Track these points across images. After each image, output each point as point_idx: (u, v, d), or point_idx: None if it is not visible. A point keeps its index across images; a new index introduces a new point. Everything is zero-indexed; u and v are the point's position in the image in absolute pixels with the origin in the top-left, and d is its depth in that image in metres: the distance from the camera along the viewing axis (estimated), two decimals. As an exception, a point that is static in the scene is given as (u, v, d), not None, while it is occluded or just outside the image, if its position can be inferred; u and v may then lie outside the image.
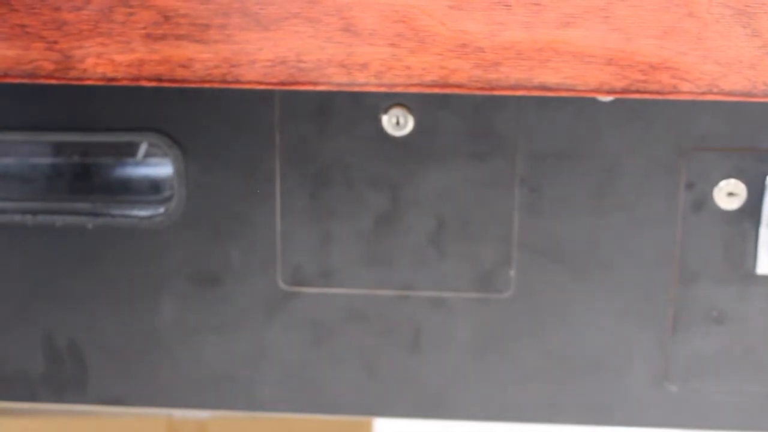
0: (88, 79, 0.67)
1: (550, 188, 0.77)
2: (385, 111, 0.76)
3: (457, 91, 0.66)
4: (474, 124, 0.76)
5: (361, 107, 0.76)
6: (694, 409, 0.82)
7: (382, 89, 0.66)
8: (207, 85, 0.66)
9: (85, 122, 0.78)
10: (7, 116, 0.78)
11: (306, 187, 0.78)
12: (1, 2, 0.65)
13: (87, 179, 0.84)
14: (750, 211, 0.77)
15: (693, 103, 0.74)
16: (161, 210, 0.80)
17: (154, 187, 0.84)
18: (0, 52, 0.66)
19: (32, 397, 0.84)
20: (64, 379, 0.83)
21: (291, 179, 0.78)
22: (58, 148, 0.85)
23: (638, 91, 0.65)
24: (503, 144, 0.76)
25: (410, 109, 0.76)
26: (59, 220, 0.80)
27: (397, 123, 0.76)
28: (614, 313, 0.80)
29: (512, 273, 0.79)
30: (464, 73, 0.65)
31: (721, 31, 0.64)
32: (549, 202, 0.78)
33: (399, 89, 0.66)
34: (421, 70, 0.65)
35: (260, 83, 0.66)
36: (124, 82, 0.67)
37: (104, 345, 0.83)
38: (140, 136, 0.79)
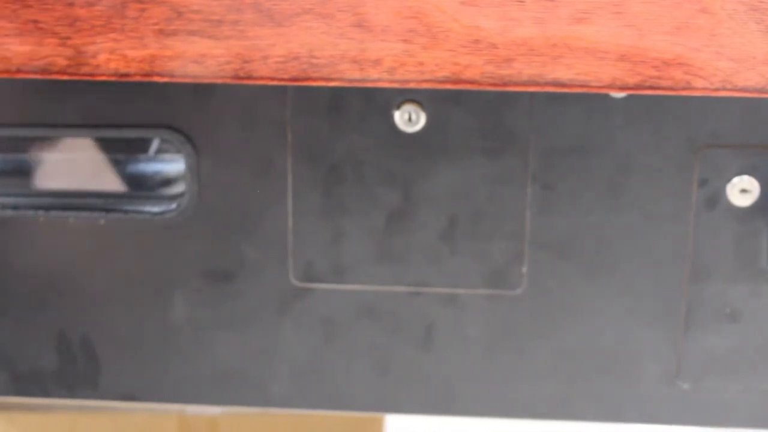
0: (101, 74, 0.67)
1: (563, 185, 0.77)
2: (398, 107, 0.76)
3: (469, 87, 0.66)
4: (486, 120, 0.76)
5: (373, 103, 0.76)
6: (706, 407, 0.82)
7: (395, 85, 0.66)
8: (219, 81, 0.67)
9: (97, 118, 0.78)
10: (19, 112, 0.78)
11: (318, 183, 0.78)
12: (15, -2, 0.65)
13: None
14: (763, 208, 0.77)
15: (706, 99, 0.74)
16: (173, 206, 0.80)
17: (167, 183, 0.84)
18: (13, 47, 0.66)
19: (45, 393, 0.84)
20: (76, 375, 0.84)
21: (303, 175, 0.78)
22: (70, 145, 0.85)
23: (651, 87, 0.65)
24: (515, 140, 0.76)
25: (422, 105, 0.76)
26: (72, 216, 0.80)
27: (410, 119, 0.76)
28: (626, 310, 0.80)
29: (524, 270, 0.79)
30: (477, 69, 0.65)
31: (735, 28, 0.64)
32: (561, 198, 0.77)
33: (411, 85, 0.66)
34: (433, 66, 0.65)
35: (273, 79, 0.66)
36: (137, 78, 0.67)
37: (116, 341, 0.83)
38: (152, 132, 0.79)
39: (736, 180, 0.76)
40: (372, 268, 0.80)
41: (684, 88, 0.65)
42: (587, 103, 0.75)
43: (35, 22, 0.66)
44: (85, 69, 0.66)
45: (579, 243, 0.78)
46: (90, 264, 0.81)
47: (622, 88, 0.65)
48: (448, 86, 0.66)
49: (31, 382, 0.84)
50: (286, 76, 0.66)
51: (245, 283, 0.81)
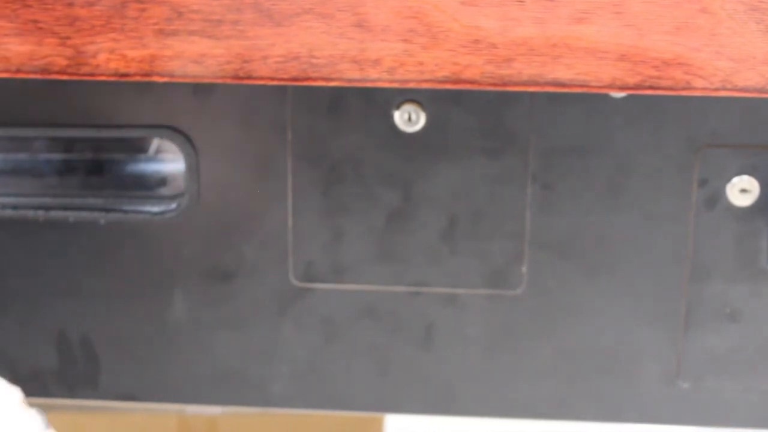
0: (101, 74, 0.67)
1: (563, 185, 0.77)
2: (397, 107, 0.76)
3: (469, 87, 0.66)
4: (486, 120, 0.76)
5: (373, 103, 0.76)
6: (706, 407, 0.82)
7: (395, 85, 0.66)
8: (219, 81, 0.67)
9: (97, 118, 0.78)
10: (19, 112, 0.78)
11: (318, 183, 0.78)
12: (15, -2, 0.65)
13: (99, 175, 0.84)
14: (763, 208, 0.77)
15: (706, 99, 0.74)
16: (173, 206, 0.80)
17: (166, 182, 0.84)
18: (13, 47, 0.66)
19: (44, 393, 0.84)
20: (76, 375, 0.84)
21: (303, 175, 0.78)
22: (70, 144, 0.85)
23: (651, 87, 0.65)
24: (515, 140, 0.76)
25: (422, 105, 0.76)
26: (72, 216, 0.80)
27: (409, 119, 0.76)
28: (626, 310, 0.80)
29: (524, 270, 0.79)
30: (477, 69, 0.65)
31: (735, 27, 0.64)
32: (561, 198, 0.77)
33: (411, 85, 0.66)
34: (433, 65, 0.65)
35: (272, 79, 0.66)
36: (137, 78, 0.67)
37: (116, 340, 0.83)
38: (152, 132, 0.79)
39: (736, 180, 0.76)
40: (372, 268, 0.80)
41: (684, 88, 0.65)
42: (587, 103, 0.75)
43: (35, 22, 0.66)
44: (85, 69, 0.66)
45: (579, 243, 0.78)
46: (90, 264, 0.81)
47: (622, 88, 0.65)
48: (448, 86, 0.66)
49: (31, 382, 0.84)
50: (285, 76, 0.66)
51: (245, 283, 0.81)
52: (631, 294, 0.79)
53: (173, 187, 0.83)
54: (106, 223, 0.80)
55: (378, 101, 0.76)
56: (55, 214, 0.80)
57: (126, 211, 0.80)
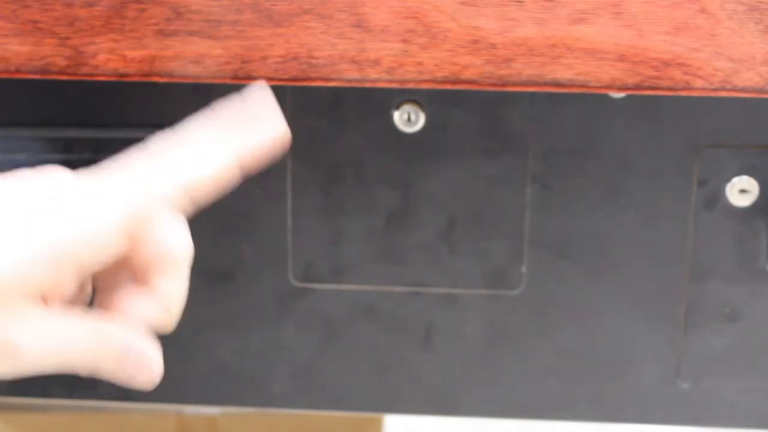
0: (100, 75, 0.67)
1: (562, 185, 0.77)
2: (397, 107, 0.76)
3: (468, 87, 0.66)
4: (485, 120, 0.76)
5: (372, 104, 0.76)
6: (705, 407, 0.82)
7: (394, 85, 0.66)
8: (219, 82, 0.66)
9: (96, 118, 0.78)
10: (18, 112, 0.78)
11: (317, 183, 0.78)
12: (14, -2, 0.65)
13: None
14: (762, 208, 0.77)
15: (705, 99, 0.74)
16: (173, 206, 0.80)
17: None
18: (12, 48, 0.66)
19: (44, 393, 0.84)
20: (76, 375, 0.83)
21: (303, 175, 0.78)
22: (69, 145, 0.85)
23: (650, 88, 0.65)
24: (515, 141, 0.76)
25: (422, 106, 0.76)
26: None
27: (409, 119, 0.76)
28: (626, 310, 0.80)
29: (524, 270, 0.79)
30: (476, 69, 0.65)
31: (734, 28, 0.64)
32: (561, 198, 0.77)
33: (410, 85, 0.66)
34: (432, 66, 0.65)
35: (272, 79, 0.66)
36: (136, 78, 0.67)
37: (116, 341, 0.83)
38: (152, 132, 0.79)
39: (735, 180, 0.76)
40: (371, 268, 0.80)
41: (683, 89, 0.65)
42: (587, 104, 0.75)
43: (35, 22, 0.66)
44: (84, 69, 0.66)
45: (578, 243, 0.78)
46: (89, 264, 0.81)
47: (621, 89, 0.65)
48: (447, 86, 0.66)
49: (31, 382, 0.84)
50: (285, 77, 0.66)
51: (245, 283, 0.81)
52: (631, 294, 0.79)
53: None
54: (106, 224, 0.80)
55: (377, 101, 0.76)
56: (54, 214, 0.80)
57: (125, 212, 0.80)
